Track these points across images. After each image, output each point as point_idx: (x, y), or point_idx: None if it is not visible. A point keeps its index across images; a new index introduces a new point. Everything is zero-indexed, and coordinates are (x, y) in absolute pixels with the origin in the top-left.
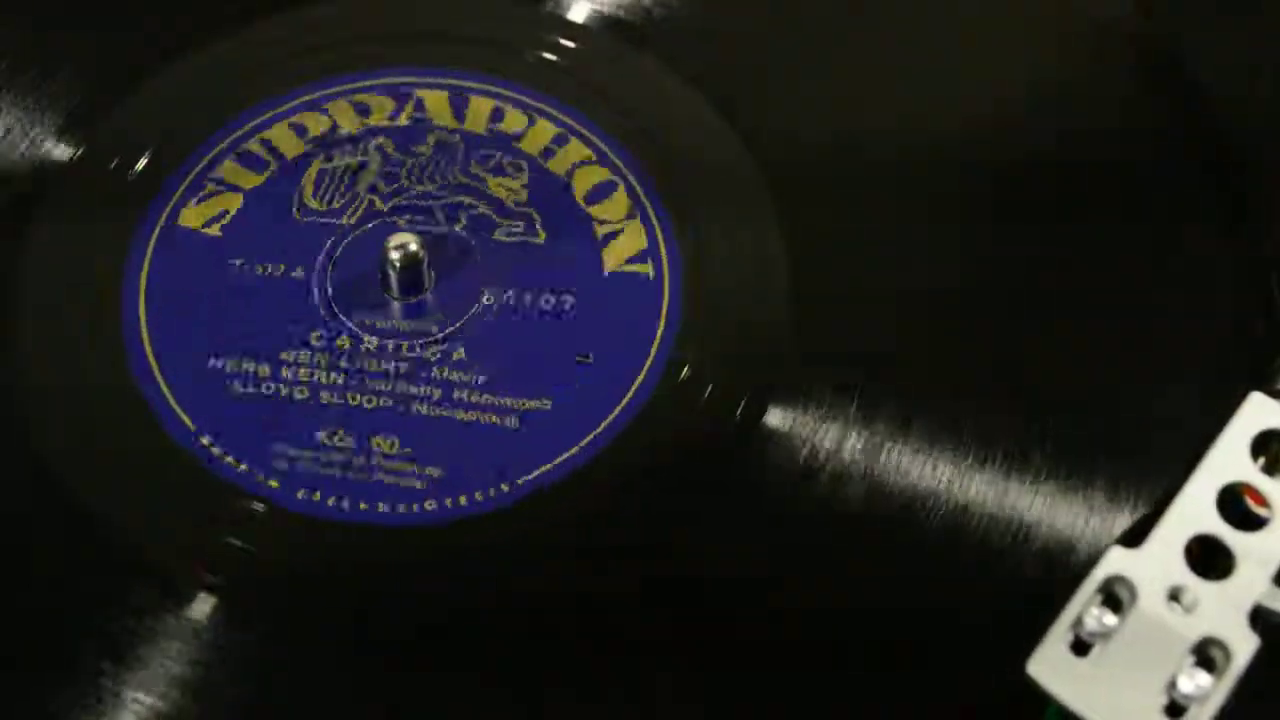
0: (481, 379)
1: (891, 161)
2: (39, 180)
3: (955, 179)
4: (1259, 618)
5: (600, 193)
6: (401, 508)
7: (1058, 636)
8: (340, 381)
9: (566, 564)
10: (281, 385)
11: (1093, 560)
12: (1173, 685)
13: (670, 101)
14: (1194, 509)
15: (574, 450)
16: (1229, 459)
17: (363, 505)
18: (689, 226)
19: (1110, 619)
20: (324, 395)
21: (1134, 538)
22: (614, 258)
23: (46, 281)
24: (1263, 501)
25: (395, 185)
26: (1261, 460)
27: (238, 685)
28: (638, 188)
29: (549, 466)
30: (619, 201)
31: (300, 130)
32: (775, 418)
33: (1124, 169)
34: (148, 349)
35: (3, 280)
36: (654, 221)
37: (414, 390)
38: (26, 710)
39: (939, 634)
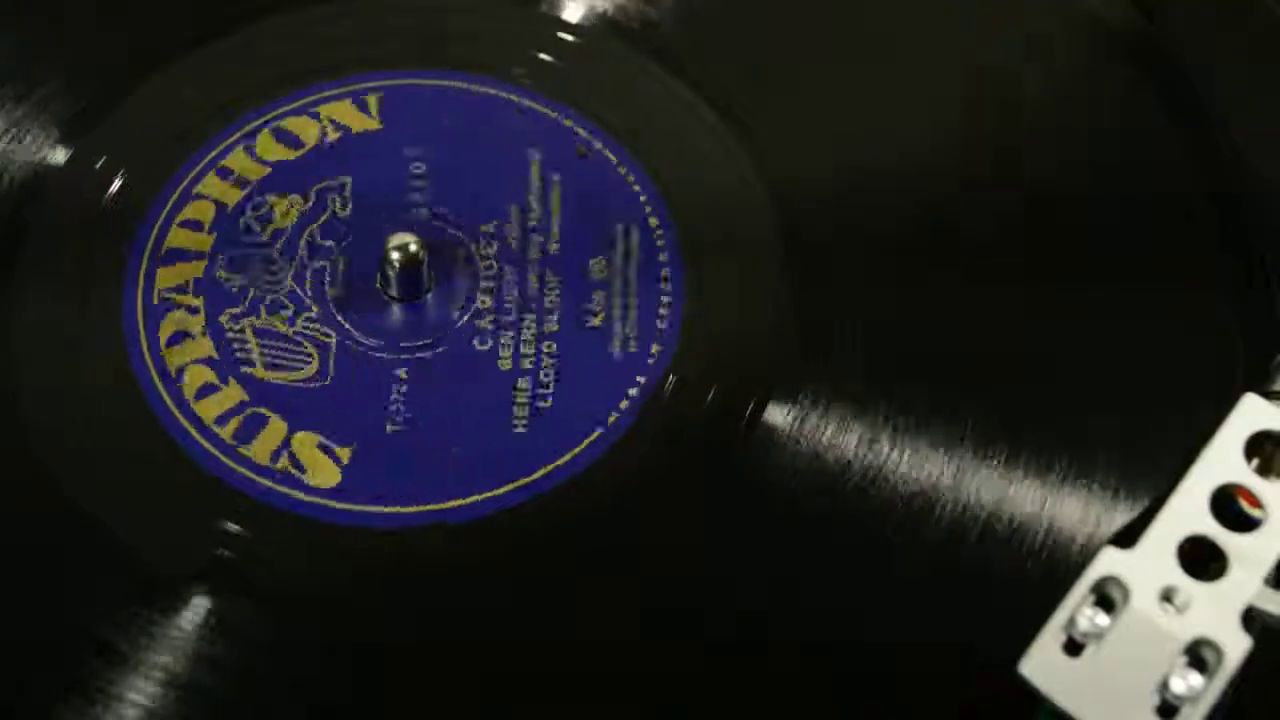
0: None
1: (893, 161)
2: (38, 181)
3: (956, 179)
4: (1251, 619)
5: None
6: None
7: (1050, 637)
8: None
9: (566, 564)
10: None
11: (1087, 560)
12: (1165, 686)
13: (670, 102)
14: (1187, 510)
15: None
16: (1222, 460)
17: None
18: (690, 227)
19: (1102, 619)
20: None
21: (1127, 538)
22: None
23: (45, 282)
24: (1256, 503)
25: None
26: (1255, 461)
27: (235, 686)
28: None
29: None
30: None
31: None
32: (775, 418)
33: (1124, 171)
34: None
35: (3, 279)
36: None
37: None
38: (26, 711)
39: (938, 634)
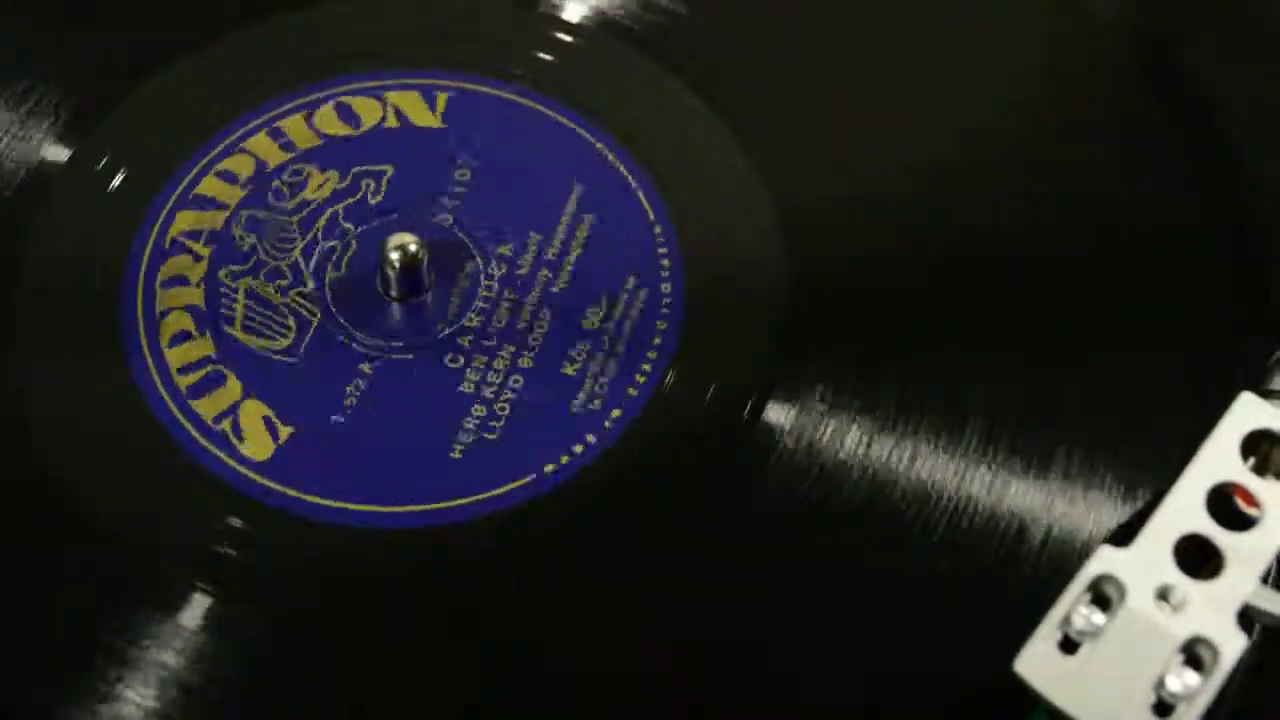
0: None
1: (892, 162)
2: (38, 180)
3: (956, 179)
4: (1247, 617)
5: None
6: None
7: (1045, 635)
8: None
9: (566, 564)
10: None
11: (1084, 559)
12: (1161, 684)
13: (671, 102)
14: (1183, 508)
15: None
16: (1219, 459)
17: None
18: (690, 228)
19: (1098, 618)
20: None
21: (1123, 537)
22: None
23: (46, 282)
24: (1252, 501)
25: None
26: (1252, 460)
27: (235, 686)
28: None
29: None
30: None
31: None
32: (775, 417)
33: (1123, 170)
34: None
35: (2, 281)
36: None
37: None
38: (26, 711)
39: (937, 633)
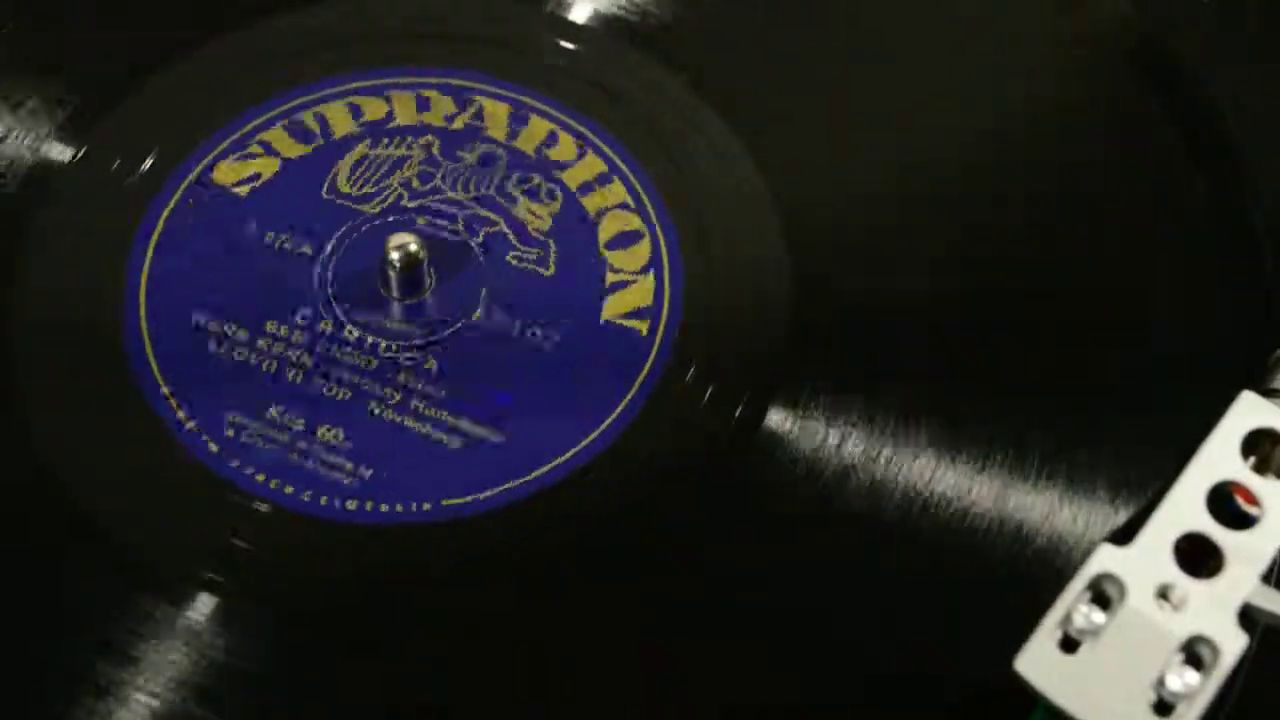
0: (443, 394)
1: (893, 162)
2: (39, 180)
3: (955, 181)
4: (1248, 616)
5: (623, 240)
6: (323, 500)
7: (1046, 634)
8: (309, 364)
9: (567, 563)
10: (254, 354)
11: (1084, 558)
12: (1161, 683)
13: (672, 103)
14: (1184, 507)
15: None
16: (1219, 457)
17: (288, 489)
18: (691, 228)
19: (1099, 617)
20: (290, 373)
21: (1123, 535)
22: (614, 308)
23: (47, 282)
24: (1253, 500)
25: (429, 185)
26: (1252, 459)
27: (238, 685)
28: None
29: (492, 492)
30: (638, 254)
31: (356, 111)
32: (775, 418)
33: (1123, 171)
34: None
35: (3, 281)
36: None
37: (375, 389)
38: (28, 711)
39: (937, 632)
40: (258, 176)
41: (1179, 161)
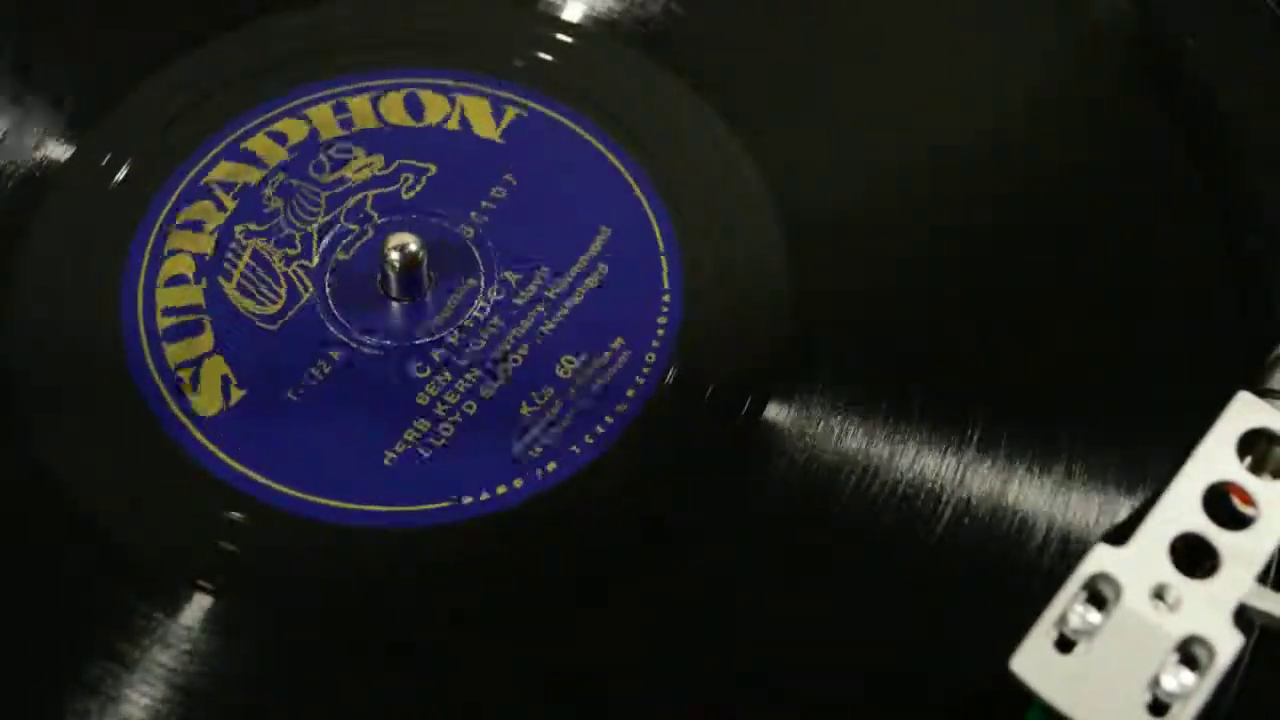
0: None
1: (893, 161)
2: (39, 180)
3: (955, 179)
4: (1244, 616)
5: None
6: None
7: (1041, 633)
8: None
9: (567, 563)
10: None
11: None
12: (1156, 683)
13: (672, 102)
14: (1180, 507)
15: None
16: (1215, 458)
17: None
18: (691, 228)
19: (1094, 616)
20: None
21: (1119, 535)
22: None
23: (46, 281)
24: (1249, 500)
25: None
26: (1248, 459)
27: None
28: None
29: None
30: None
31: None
32: (775, 418)
33: (1123, 170)
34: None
35: (3, 280)
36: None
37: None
38: (27, 711)
39: (936, 631)
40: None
41: (1179, 161)
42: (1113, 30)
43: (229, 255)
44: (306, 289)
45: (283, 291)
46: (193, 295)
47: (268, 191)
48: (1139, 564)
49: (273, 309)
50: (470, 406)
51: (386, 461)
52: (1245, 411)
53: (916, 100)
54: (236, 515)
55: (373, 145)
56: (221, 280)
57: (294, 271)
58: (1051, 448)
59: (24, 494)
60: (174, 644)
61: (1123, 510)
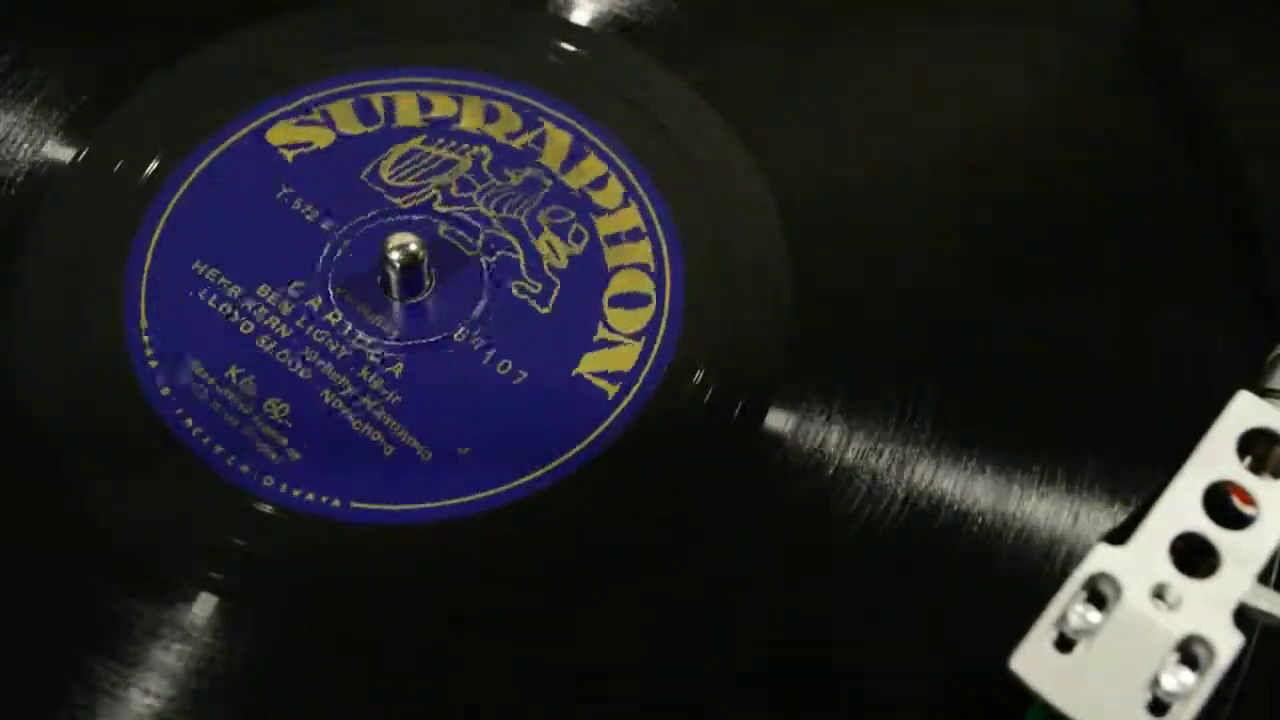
0: (395, 400)
1: (893, 162)
2: (39, 180)
3: (955, 181)
4: (1244, 616)
5: (628, 301)
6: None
7: (1041, 633)
8: (284, 334)
9: (566, 563)
10: (237, 311)
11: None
12: (1156, 683)
13: (672, 102)
14: (1180, 507)
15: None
16: (1216, 457)
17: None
18: (691, 229)
19: (1094, 616)
20: (261, 340)
21: (1120, 535)
22: (590, 363)
23: (47, 282)
24: (1249, 500)
25: (465, 195)
26: (1249, 459)
27: (237, 685)
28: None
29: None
30: (638, 317)
31: (425, 105)
32: (775, 419)
33: (1123, 170)
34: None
35: (3, 280)
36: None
37: (334, 377)
38: (27, 711)
39: (933, 632)
40: (310, 145)
41: (1179, 161)
42: (1113, 30)
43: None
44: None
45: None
46: None
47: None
48: (1139, 563)
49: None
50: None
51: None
52: (1245, 411)
53: (916, 100)
54: (239, 515)
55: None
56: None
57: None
58: (1051, 447)
59: (24, 494)
60: (174, 644)
61: (1123, 510)
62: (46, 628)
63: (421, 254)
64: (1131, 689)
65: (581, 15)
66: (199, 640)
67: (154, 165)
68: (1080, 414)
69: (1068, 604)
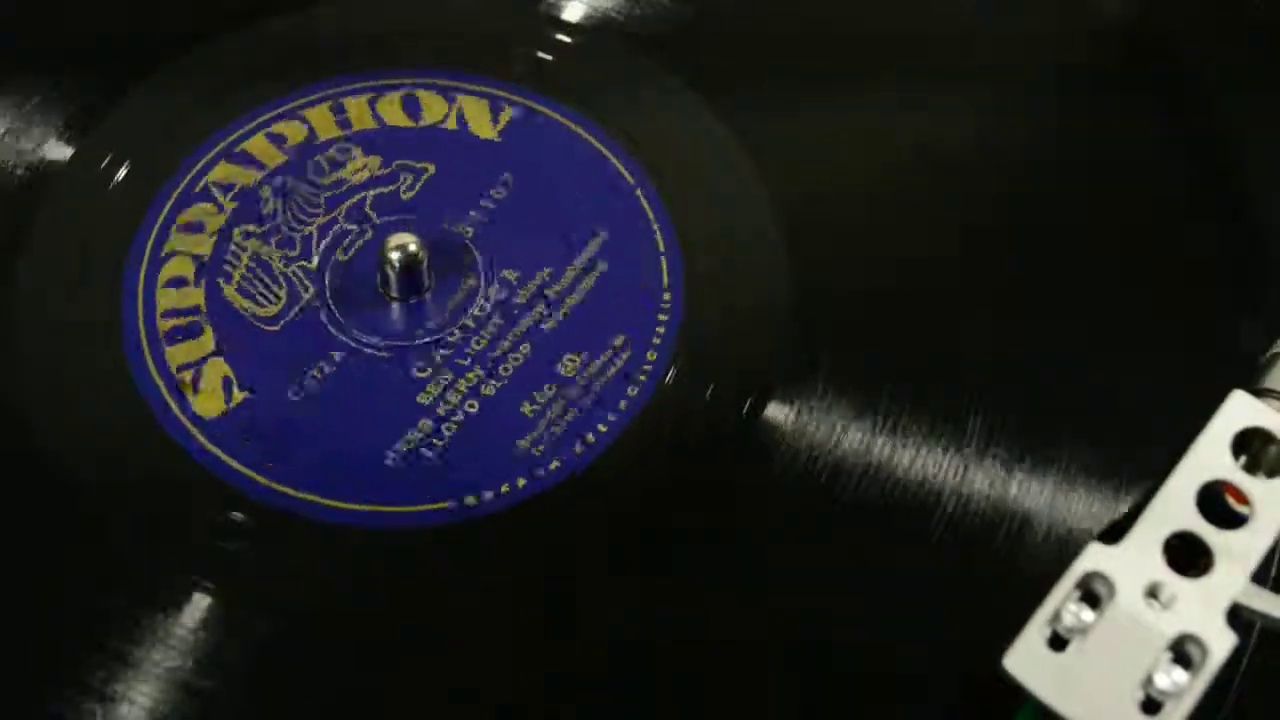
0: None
1: (892, 161)
2: (39, 180)
3: (955, 178)
4: (1237, 616)
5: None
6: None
7: (1034, 631)
8: None
9: (567, 563)
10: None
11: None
12: (1149, 682)
13: (672, 102)
14: (1174, 506)
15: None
16: (1210, 456)
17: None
18: (691, 228)
19: (1088, 615)
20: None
21: (1113, 534)
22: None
23: (46, 282)
24: (1243, 499)
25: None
26: (1243, 458)
27: (236, 686)
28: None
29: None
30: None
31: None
32: (776, 416)
33: (1123, 170)
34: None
35: (3, 281)
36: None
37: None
38: (27, 711)
39: (934, 631)
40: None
41: (1179, 161)
42: (1112, 30)
43: (228, 257)
44: (306, 290)
45: (283, 293)
46: (193, 297)
47: (265, 193)
48: (1133, 562)
49: (273, 310)
50: (472, 405)
51: (388, 461)
52: (1240, 411)
53: (916, 100)
54: (237, 515)
55: (372, 146)
56: (221, 282)
57: (294, 272)
58: (1048, 446)
59: (24, 494)
60: (174, 644)
61: (1117, 509)
62: (46, 628)
63: (421, 254)
64: (1124, 688)
65: (573, 13)
66: (197, 641)
67: (154, 165)
68: (1077, 412)
69: (1061, 603)
